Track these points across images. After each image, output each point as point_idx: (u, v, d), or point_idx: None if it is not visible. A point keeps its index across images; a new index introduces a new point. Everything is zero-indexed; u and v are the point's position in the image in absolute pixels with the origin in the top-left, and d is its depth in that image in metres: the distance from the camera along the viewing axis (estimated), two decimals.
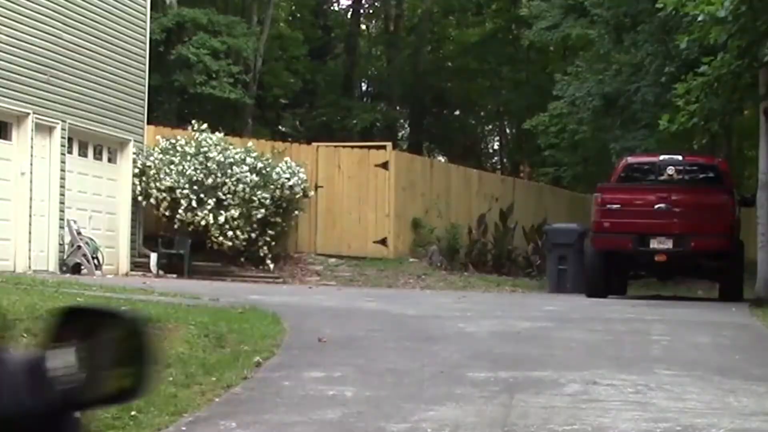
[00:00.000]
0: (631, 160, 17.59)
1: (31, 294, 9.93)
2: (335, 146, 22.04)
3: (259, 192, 19.23)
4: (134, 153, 19.36)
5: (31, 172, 16.51)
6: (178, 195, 19.06)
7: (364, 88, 41.14)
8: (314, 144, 22.22)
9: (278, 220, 19.87)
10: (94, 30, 18.24)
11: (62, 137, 17.31)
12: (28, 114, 16.50)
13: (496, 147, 44.22)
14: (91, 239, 17.85)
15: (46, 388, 1.58)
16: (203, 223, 19.00)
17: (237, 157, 19.44)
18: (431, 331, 9.58)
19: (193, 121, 20.68)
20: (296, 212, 20.42)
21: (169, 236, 19.61)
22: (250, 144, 20.58)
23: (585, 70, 23.49)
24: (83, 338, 1.62)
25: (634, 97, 20.93)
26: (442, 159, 37.84)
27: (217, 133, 20.19)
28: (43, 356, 1.60)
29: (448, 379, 6.90)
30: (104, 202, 18.83)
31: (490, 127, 43.90)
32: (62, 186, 17.34)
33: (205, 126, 20.19)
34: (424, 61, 37.29)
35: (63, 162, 17.38)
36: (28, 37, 16.60)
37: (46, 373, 1.60)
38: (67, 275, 16.09)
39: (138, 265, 19.20)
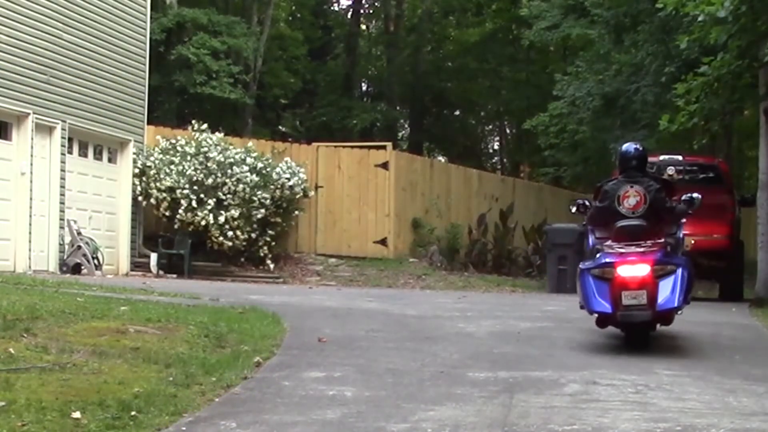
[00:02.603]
0: None
1: (31, 294, 9.93)
2: (335, 146, 22.04)
3: (259, 192, 19.23)
4: (134, 153, 19.36)
5: (31, 172, 16.52)
6: (178, 195, 19.06)
7: (364, 88, 41.15)
8: (314, 144, 22.22)
9: (278, 220, 19.87)
10: (94, 30, 18.24)
11: (62, 137, 17.32)
12: (28, 114, 16.50)
13: (496, 147, 44.24)
14: (91, 239, 17.86)
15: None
16: (203, 223, 19.00)
17: (237, 157, 19.44)
18: (431, 331, 9.58)
19: (193, 121, 20.69)
20: (296, 212, 20.43)
21: (169, 236, 19.62)
22: (250, 144, 20.59)
23: (585, 70, 23.48)
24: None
25: (634, 97, 20.91)
26: (442, 159, 37.85)
27: (217, 133, 20.19)
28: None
29: (448, 379, 6.90)
30: (104, 202, 18.83)
31: (490, 127, 43.91)
32: (62, 186, 17.35)
33: (205, 126, 20.20)
34: (424, 61, 37.31)
35: (63, 162, 17.38)
36: (28, 37, 16.61)
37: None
38: (67, 275, 16.10)
39: (138, 265, 19.20)
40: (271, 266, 19.84)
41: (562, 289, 18.25)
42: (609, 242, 8.93)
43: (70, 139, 17.70)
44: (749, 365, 7.93)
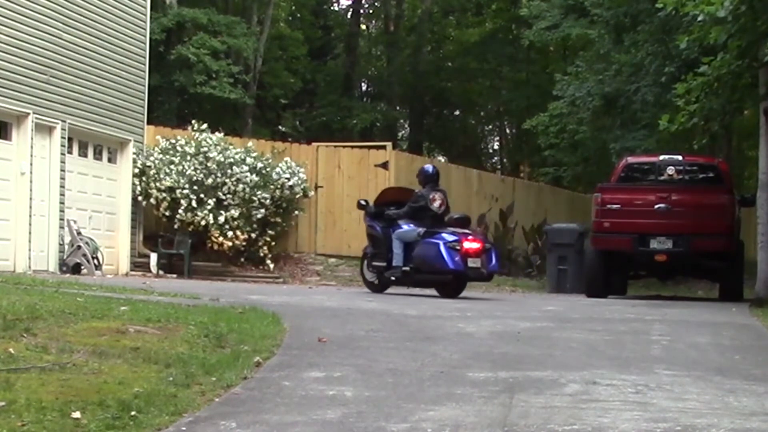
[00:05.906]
0: (631, 160, 17.57)
1: (31, 294, 9.92)
2: (335, 146, 22.03)
3: (259, 192, 19.24)
4: (134, 153, 19.37)
5: (31, 172, 16.52)
6: (178, 195, 19.07)
7: (364, 88, 41.16)
8: (314, 144, 22.22)
9: (278, 220, 19.89)
10: (94, 30, 18.25)
11: (62, 137, 17.33)
12: (28, 114, 16.51)
13: (496, 147, 44.25)
14: (91, 239, 17.86)
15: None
16: (203, 223, 19.00)
17: (237, 157, 19.45)
18: (431, 331, 9.58)
19: (193, 121, 20.70)
20: (296, 212, 20.44)
21: (169, 236, 19.63)
22: (250, 144, 20.60)
23: (585, 70, 23.50)
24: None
25: (634, 97, 20.92)
26: (442, 159, 37.86)
27: (217, 133, 20.21)
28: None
29: (448, 379, 6.90)
30: (104, 202, 18.84)
31: (490, 127, 43.93)
32: (62, 186, 17.35)
33: (205, 126, 20.21)
34: (424, 61, 37.31)
35: (63, 162, 17.39)
36: (28, 37, 16.62)
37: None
38: (67, 275, 16.10)
39: (138, 265, 19.21)
40: (271, 266, 19.85)
41: (562, 289, 18.27)
42: (450, 228, 14.15)
43: (70, 139, 17.70)
44: (749, 365, 7.92)
